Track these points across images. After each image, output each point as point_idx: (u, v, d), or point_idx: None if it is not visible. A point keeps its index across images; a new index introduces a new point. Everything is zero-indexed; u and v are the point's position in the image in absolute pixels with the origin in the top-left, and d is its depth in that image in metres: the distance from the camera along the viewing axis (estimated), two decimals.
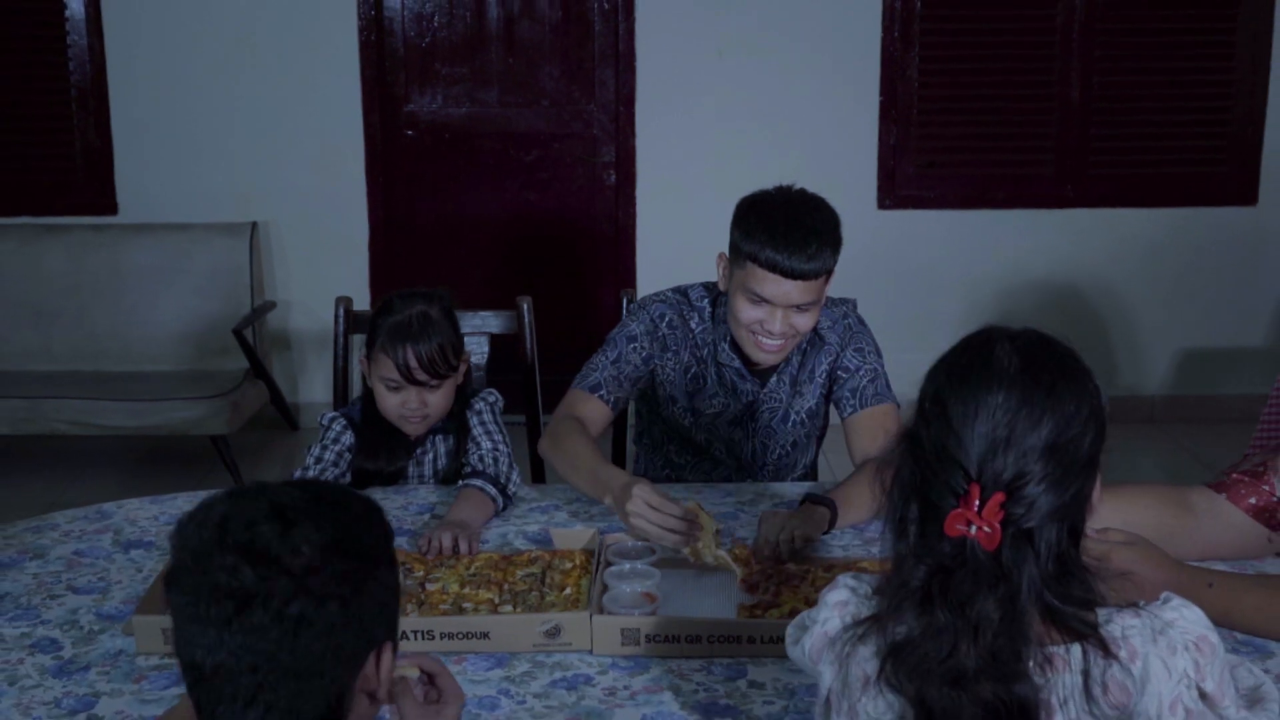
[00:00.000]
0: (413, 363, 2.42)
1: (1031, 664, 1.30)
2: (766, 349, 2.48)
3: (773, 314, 2.42)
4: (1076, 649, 1.32)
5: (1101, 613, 1.35)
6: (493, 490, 2.39)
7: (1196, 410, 5.36)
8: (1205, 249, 5.34)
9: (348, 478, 2.50)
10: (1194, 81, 5.23)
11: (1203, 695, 1.35)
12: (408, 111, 5.29)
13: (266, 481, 1.29)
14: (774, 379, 2.63)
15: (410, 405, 2.47)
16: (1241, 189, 5.31)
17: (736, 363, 2.60)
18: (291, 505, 1.23)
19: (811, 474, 2.83)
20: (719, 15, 5.13)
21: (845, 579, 1.47)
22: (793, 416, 2.66)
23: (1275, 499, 2.09)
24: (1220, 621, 1.91)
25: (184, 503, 2.41)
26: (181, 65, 5.16)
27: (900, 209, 5.28)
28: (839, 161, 5.13)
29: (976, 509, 1.30)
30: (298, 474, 2.45)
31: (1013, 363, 1.35)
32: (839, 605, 1.44)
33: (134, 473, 4.98)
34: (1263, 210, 5.32)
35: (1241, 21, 5.17)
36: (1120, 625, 1.34)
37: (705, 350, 2.63)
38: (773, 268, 2.37)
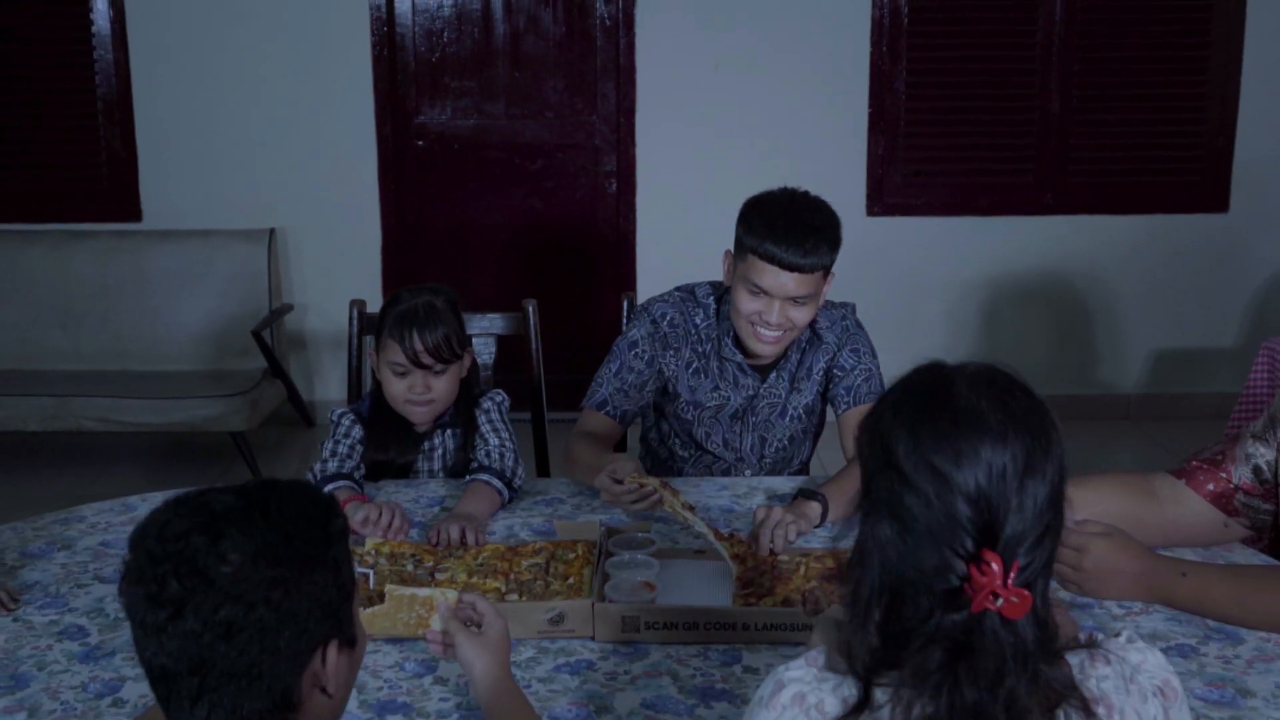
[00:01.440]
0: (418, 346, 2.42)
1: None
2: (764, 339, 2.49)
3: (770, 305, 2.44)
4: (1060, 715, 1.21)
5: (1072, 661, 1.25)
6: (499, 484, 2.39)
7: (1170, 408, 5.36)
8: (1178, 254, 5.34)
9: (362, 470, 2.50)
10: (1168, 94, 5.23)
11: None
12: (418, 123, 5.29)
13: (213, 487, 1.28)
14: (773, 375, 2.64)
15: (416, 390, 2.46)
16: (1213, 197, 5.31)
17: (738, 357, 2.61)
18: (225, 514, 1.22)
19: (805, 469, 2.83)
20: (715, 31, 5.13)
21: (783, 674, 1.26)
22: (790, 412, 2.67)
23: (1233, 486, 2.10)
24: (1193, 610, 1.92)
25: None
26: (203, 78, 5.16)
27: (888, 215, 5.28)
28: (829, 170, 5.11)
29: (1002, 580, 1.17)
30: (317, 468, 2.44)
31: (997, 411, 1.22)
32: (798, 701, 1.23)
33: (158, 467, 4.98)
34: (1233, 217, 5.32)
35: (1214, 37, 5.17)
36: (1095, 679, 1.24)
37: (708, 345, 2.64)
38: (771, 260, 2.40)
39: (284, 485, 1.30)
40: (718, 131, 5.17)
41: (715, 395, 2.65)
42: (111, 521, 2.36)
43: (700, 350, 2.64)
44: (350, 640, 1.29)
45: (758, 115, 5.17)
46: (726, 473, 2.71)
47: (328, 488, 2.36)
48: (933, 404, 1.23)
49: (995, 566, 1.17)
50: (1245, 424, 2.14)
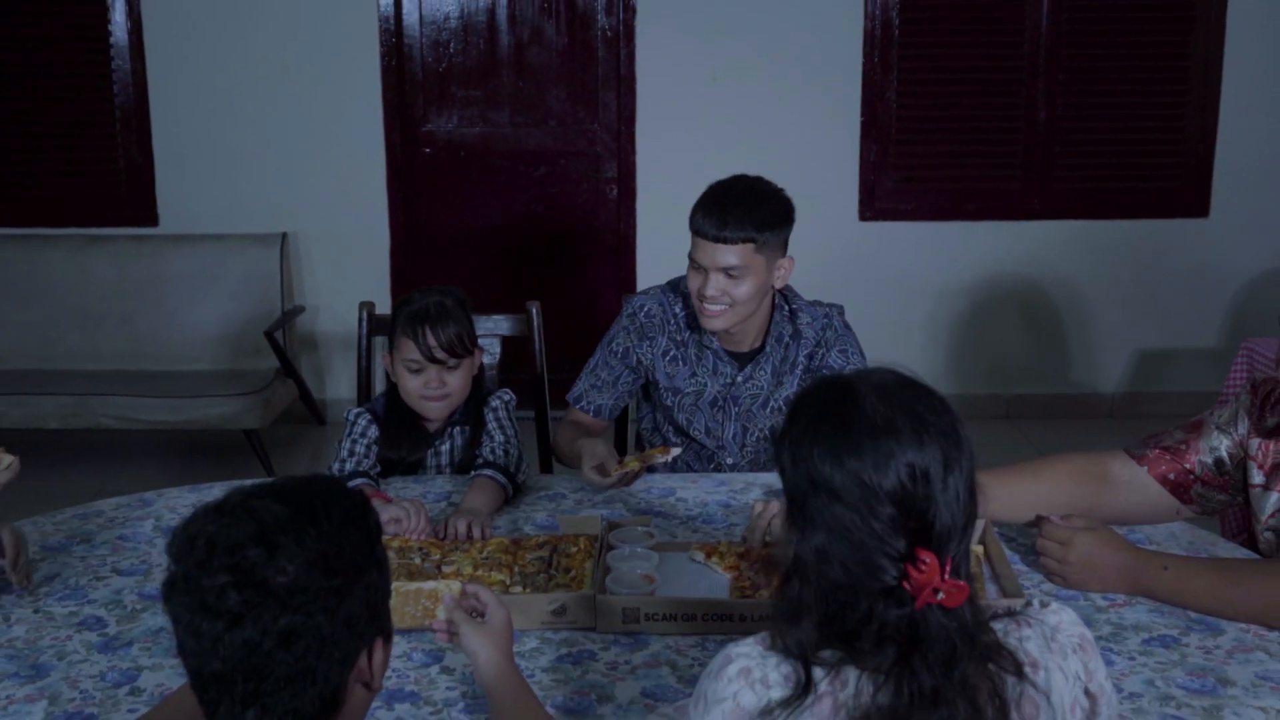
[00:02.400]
0: (432, 342, 2.43)
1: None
2: (709, 314, 2.53)
3: (707, 279, 2.49)
4: (990, 669, 1.25)
5: (997, 628, 1.29)
6: (503, 479, 2.39)
7: (1152, 406, 5.35)
8: (1161, 257, 5.34)
9: (378, 468, 2.50)
10: (1150, 103, 5.22)
11: (1088, 694, 1.33)
12: (426, 131, 5.29)
13: (255, 489, 1.26)
14: (751, 366, 2.65)
15: (431, 385, 2.46)
16: (1194, 202, 5.31)
17: (716, 344, 2.64)
18: (276, 524, 1.20)
19: None
20: (713, 43, 5.13)
21: (731, 649, 1.29)
22: (772, 404, 2.68)
23: (1194, 477, 2.10)
24: (1174, 601, 1.92)
25: (219, 491, 2.40)
26: (217, 88, 5.16)
27: (880, 220, 5.28)
28: (823, 177, 5.13)
29: (939, 574, 1.20)
30: (335, 467, 2.44)
31: (907, 417, 1.24)
32: (744, 674, 1.26)
33: (173, 464, 4.98)
34: (1213, 222, 5.31)
35: (1194, 47, 5.17)
36: (1018, 638, 1.29)
37: (688, 333, 2.68)
38: (699, 233, 2.48)
39: (319, 486, 1.28)
40: (715, 139, 5.16)
41: (693, 381, 2.68)
42: (129, 516, 2.36)
43: (679, 339, 2.68)
44: (389, 635, 1.30)
45: (753, 124, 5.17)
46: (710, 459, 2.72)
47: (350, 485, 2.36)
48: (845, 418, 1.25)
49: (932, 563, 1.20)
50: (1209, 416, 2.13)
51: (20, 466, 1.98)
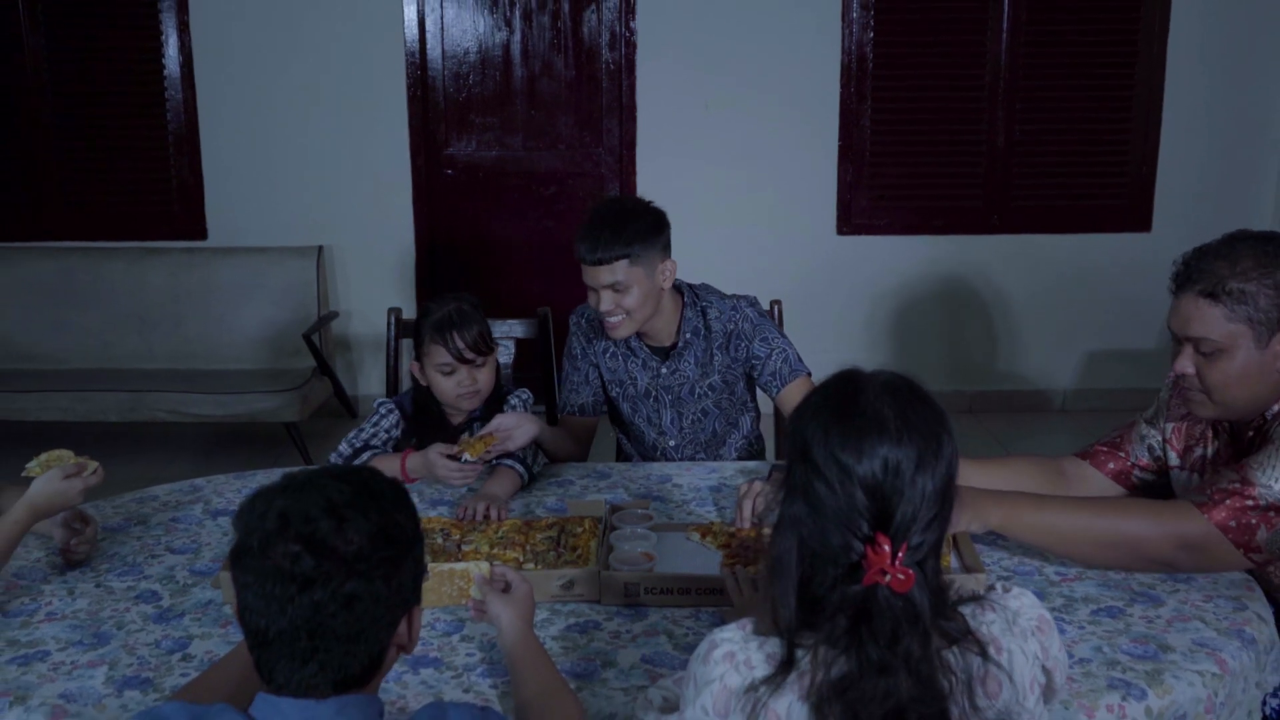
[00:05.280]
0: (460, 345, 2.42)
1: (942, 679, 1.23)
2: (611, 326, 2.53)
3: (599, 297, 2.49)
4: (955, 652, 1.25)
5: (964, 612, 1.29)
6: (520, 469, 2.39)
7: (1099, 402, 5.35)
8: (1108, 268, 5.33)
9: (388, 450, 2.49)
10: (1097, 129, 5.22)
11: (1044, 670, 1.33)
12: (447, 154, 5.28)
13: (315, 472, 1.28)
14: (675, 359, 2.64)
15: (464, 384, 2.45)
16: (1137, 218, 5.31)
17: (637, 343, 2.65)
18: (343, 501, 1.23)
19: (758, 445, 2.82)
20: (706, 75, 5.12)
21: (716, 634, 1.29)
22: (698, 389, 2.66)
23: (1131, 464, 2.13)
24: (1014, 536, 1.92)
25: (262, 478, 2.41)
26: (260, 115, 5.16)
27: (856, 235, 5.27)
28: (804, 196, 5.13)
29: (890, 559, 1.21)
30: (342, 447, 2.43)
31: (896, 415, 1.24)
32: (728, 658, 1.26)
33: (220, 454, 4.98)
34: (1155, 236, 5.31)
35: (1138, 78, 5.17)
36: (983, 622, 1.29)
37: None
38: (582, 259, 2.47)
39: (368, 472, 1.31)
40: (708, 162, 5.16)
41: (628, 376, 2.68)
42: (180, 500, 2.36)
43: (610, 342, 2.67)
44: (420, 603, 1.32)
45: (742, 147, 5.16)
46: (654, 446, 2.73)
47: (363, 456, 2.39)
48: (844, 407, 1.26)
49: (885, 547, 1.21)
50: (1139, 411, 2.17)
51: (104, 474, 1.98)
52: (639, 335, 2.62)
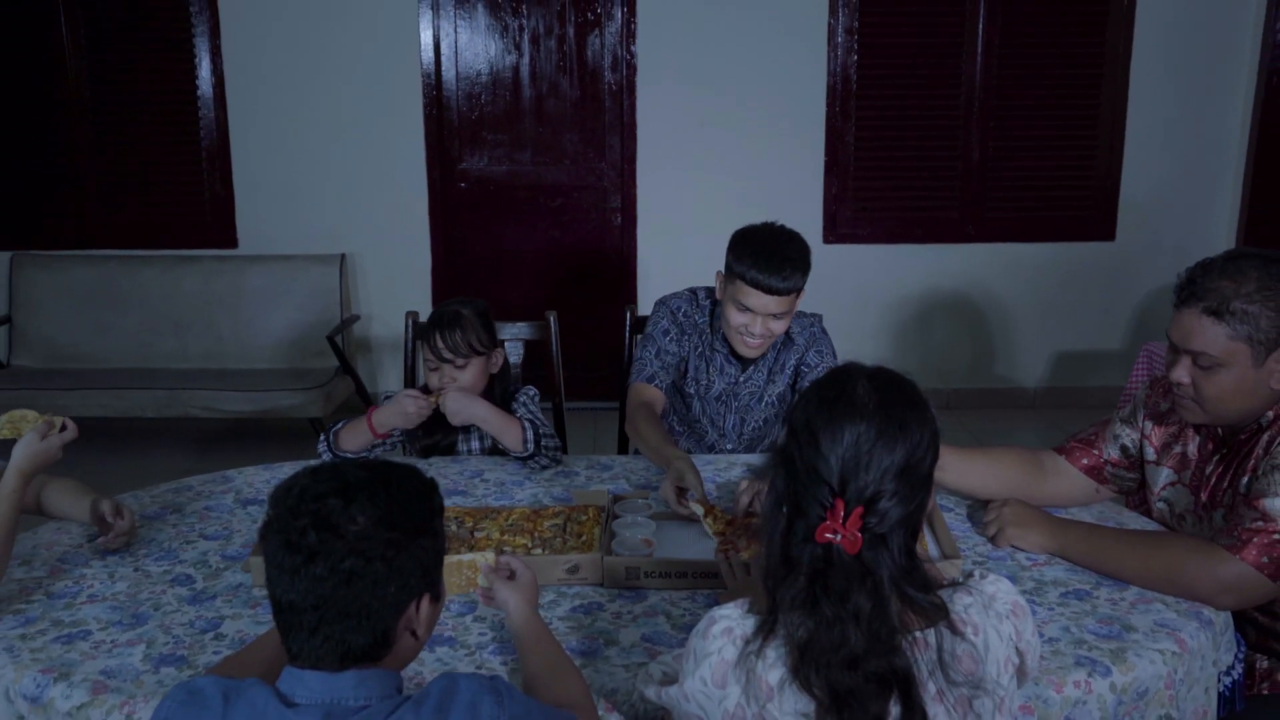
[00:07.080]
0: (441, 344, 2.44)
1: (905, 644, 1.24)
2: (749, 345, 2.50)
3: (754, 320, 2.44)
4: (933, 631, 1.27)
5: (944, 594, 1.30)
6: (529, 429, 2.40)
7: (1067, 399, 5.36)
8: (1075, 274, 5.34)
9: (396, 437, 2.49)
10: (1066, 145, 5.22)
11: (1018, 651, 1.33)
12: (461, 169, 5.28)
13: (346, 460, 1.29)
14: (752, 368, 2.63)
15: (445, 380, 2.46)
16: (1103, 228, 5.31)
17: (724, 350, 2.62)
18: (355, 483, 1.22)
19: None
20: (702, 94, 5.12)
21: (715, 612, 1.32)
22: (766, 399, 2.66)
23: (1103, 460, 2.12)
24: (1085, 562, 1.91)
25: (288, 470, 2.41)
26: (287, 132, 5.16)
27: (841, 243, 5.27)
28: (793, 206, 5.12)
29: (841, 520, 1.24)
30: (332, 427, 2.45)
31: (871, 399, 1.27)
32: (726, 633, 1.29)
33: (249, 447, 4.98)
34: (1119, 244, 5.32)
35: (1103, 97, 5.17)
36: (961, 604, 1.30)
37: (703, 338, 2.64)
38: (756, 285, 2.39)
39: (402, 466, 1.30)
40: (704, 175, 5.17)
41: (706, 377, 2.66)
42: (213, 490, 2.36)
43: (698, 341, 2.64)
44: (437, 595, 1.30)
45: (735, 162, 5.17)
46: (712, 447, 2.71)
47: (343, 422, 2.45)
48: (835, 393, 1.30)
49: (839, 511, 1.25)
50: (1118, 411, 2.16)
51: (77, 428, 1.96)
52: (725, 340, 2.59)
